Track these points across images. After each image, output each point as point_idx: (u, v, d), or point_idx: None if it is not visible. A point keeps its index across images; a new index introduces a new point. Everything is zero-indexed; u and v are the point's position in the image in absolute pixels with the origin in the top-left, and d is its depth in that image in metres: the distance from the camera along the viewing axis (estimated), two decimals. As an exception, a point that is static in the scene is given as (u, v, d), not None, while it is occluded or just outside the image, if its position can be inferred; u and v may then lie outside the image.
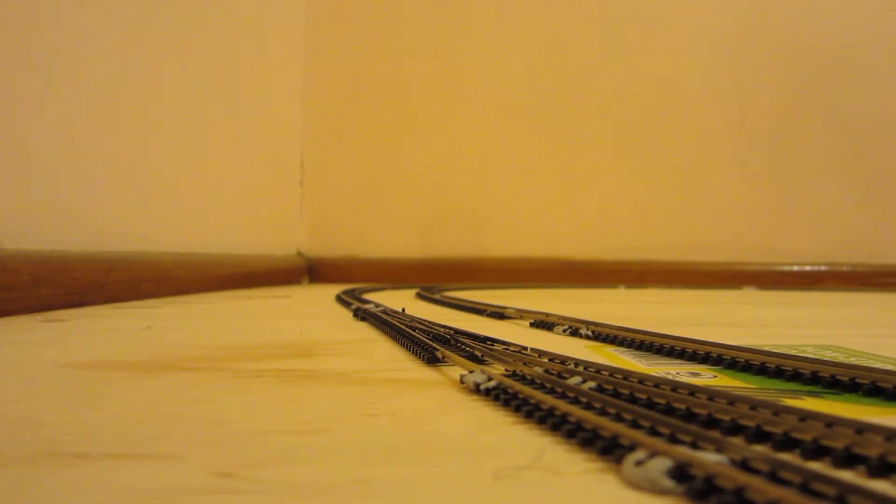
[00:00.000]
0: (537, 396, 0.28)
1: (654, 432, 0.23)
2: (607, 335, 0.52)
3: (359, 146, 1.70)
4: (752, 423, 0.25)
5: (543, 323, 0.62)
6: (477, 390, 0.32)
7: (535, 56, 1.67)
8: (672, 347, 0.45)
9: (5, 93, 0.76)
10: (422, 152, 1.68)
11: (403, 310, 0.68)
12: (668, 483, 0.19)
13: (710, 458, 0.20)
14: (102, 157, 0.93)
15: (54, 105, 0.83)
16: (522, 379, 0.33)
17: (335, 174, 1.70)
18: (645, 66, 1.64)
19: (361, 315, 0.68)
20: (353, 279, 1.61)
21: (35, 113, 0.80)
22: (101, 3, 0.92)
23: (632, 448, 0.22)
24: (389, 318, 0.60)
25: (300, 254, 1.66)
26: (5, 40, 0.75)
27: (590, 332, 0.54)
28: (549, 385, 0.31)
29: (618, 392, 0.30)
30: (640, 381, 0.31)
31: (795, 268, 1.60)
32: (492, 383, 0.32)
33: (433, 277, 1.59)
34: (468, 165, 1.67)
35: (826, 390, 0.33)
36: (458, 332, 0.49)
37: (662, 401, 0.28)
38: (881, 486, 0.20)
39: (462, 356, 0.39)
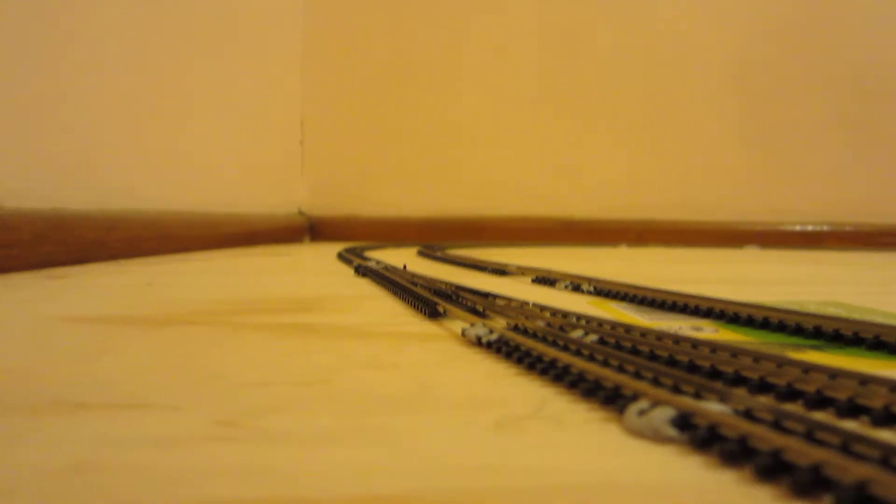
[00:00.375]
0: (539, 348, 0.28)
1: (656, 383, 0.23)
2: (609, 291, 0.52)
3: (360, 105, 1.68)
4: (755, 375, 0.25)
5: (545, 279, 0.62)
6: (479, 343, 0.32)
7: (538, 15, 1.64)
8: (674, 302, 0.44)
9: (5, 50, 0.75)
10: (424, 111, 1.67)
11: (405, 266, 0.68)
12: (671, 432, 0.19)
13: (713, 407, 0.20)
14: (103, 116, 0.92)
15: (54, 63, 0.82)
16: (524, 332, 0.32)
17: (336, 133, 1.69)
18: (647, 25, 1.62)
19: (363, 272, 0.68)
20: (354, 238, 1.60)
21: (35, 70, 0.79)
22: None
23: (634, 398, 0.22)
24: (391, 275, 0.60)
25: (301, 213, 1.65)
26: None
27: (592, 288, 0.54)
28: (551, 338, 0.30)
29: (620, 345, 0.30)
30: (643, 335, 0.30)
31: (798, 227, 1.60)
32: (493, 336, 0.32)
33: (434, 236, 1.59)
34: (470, 124, 1.66)
35: (829, 344, 0.33)
36: (459, 287, 0.49)
37: (665, 353, 0.28)
38: (885, 435, 0.20)
39: (464, 310, 0.38)
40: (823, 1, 1.58)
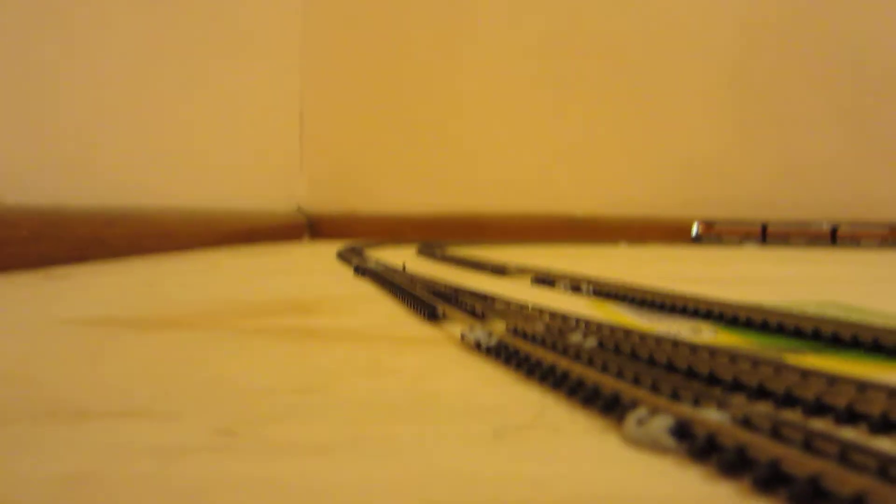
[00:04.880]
0: (538, 354, 0.28)
1: (655, 389, 0.23)
2: (608, 292, 0.52)
3: (359, 99, 1.68)
4: (753, 381, 0.25)
5: (545, 280, 0.62)
6: (478, 348, 0.32)
7: (538, 11, 1.64)
8: (673, 304, 0.44)
9: (6, 45, 0.74)
10: (424, 106, 1.66)
11: (404, 267, 0.68)
12: (670, 442, 0.19)
13: (711, 415, 0.20)
14: (103, 111, 0.92)
15: (55, 58, 0.82)
16: (523, 336, 0.32)
17: (335, 128, 1.68)
18: (646, 18, 1.62)
19: (362, 272, 0.68)
20: (353, 235, 1.60)
21: (35, 66, 0.79)
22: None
23: (633, 406, 0.22)
24: (390, 275, 0.60)
25: (300, 210, 1.65)
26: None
27: (591, 289, 0.54)
28: (550, 342, 0.30)
29: (619, 349, 0.30)
30: (642, 338, 0.30)
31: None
32: (493, 340, 0.32)
33: (434, 234, 1.59)
34: (470, 120, 1.66)
35: (828, 347, 0.33)
36: (458, 288, 0.49)
37: (664, 357, 0.28)
38: (883, 443, 0.20)
39: (463, 313, 0.38)
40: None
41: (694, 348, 0.28)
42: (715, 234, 1.55)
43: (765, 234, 1.54)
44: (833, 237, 1.53)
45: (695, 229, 1.55)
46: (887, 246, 1.50)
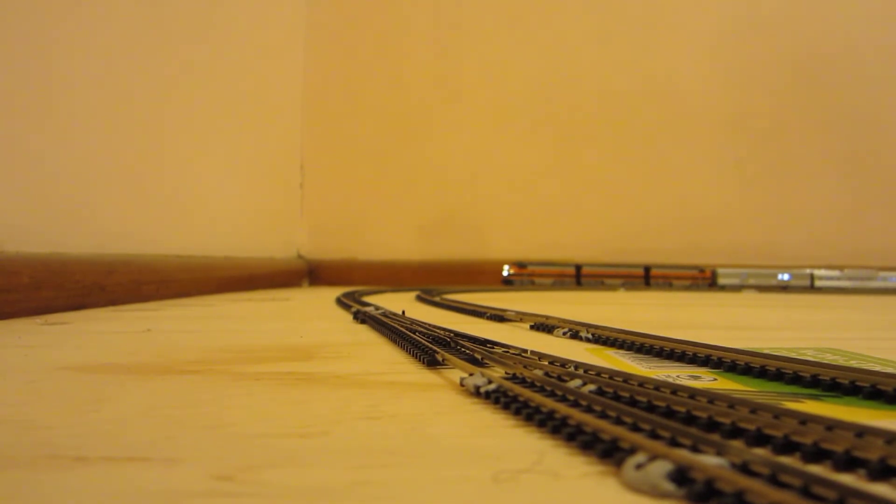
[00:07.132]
0: (537, 399, 0.28)
1: (654, 435, 0.23)
2: (607, 338, 0.52)
3: (359, 149, 1.70)
4: (752, 427, 0.25)
5: (543, 326, 0.62)
6: (477, 393, 0.32)
7: (535, 60, 1.67)
8: (672, 350, 0.44)
9: (6, 95, 0.76)
10: (422, 155, 1.68)
11: (403, 312, 0.68)
12: (669, 486, 0.19)
13: (710, 461, 0.20)
14: (103, 160, 0.93)
15: (55, 108, 0.83)
16: (522, 382, 0.33)
17: (335, 177, 1.70)
18: (645, 69, 1.65)
19: (361, 318, 0.68)
20: (352, 282, 1.61)
21: (36, 115, 0.80)
22: (102, 8, 0.92)
23: (632, 451, 0.22)
24: (389, 321, 0.60)
25: (300, 256, 1.66)
26: (5, 42, 0.75)
27: (590, 335, 0.54)
28: (549, 388, 0.31)
29: (618, 395, 0.30)
30: (641, 384, 0.31)
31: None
32: (492, 386, 0.32)
33: (433, 280, 1.59)
34: (468, 168, 1.67)
35: (826, 393, 0.33)
36: (457, 334, 0.49)
37: (663, 404, 0.28)
38: (882, 489, 0.20)
39: (462, 359, 0.39)
40: (823, 44, 1.61)
41: (693, 394, 0.28)
42: (527, 275, 1.57)
43: (579, 277, 1.57)
44: (647, 279, 1.57)
45: (505, 271, 1.57)
46: (696, 288, 1.55)
